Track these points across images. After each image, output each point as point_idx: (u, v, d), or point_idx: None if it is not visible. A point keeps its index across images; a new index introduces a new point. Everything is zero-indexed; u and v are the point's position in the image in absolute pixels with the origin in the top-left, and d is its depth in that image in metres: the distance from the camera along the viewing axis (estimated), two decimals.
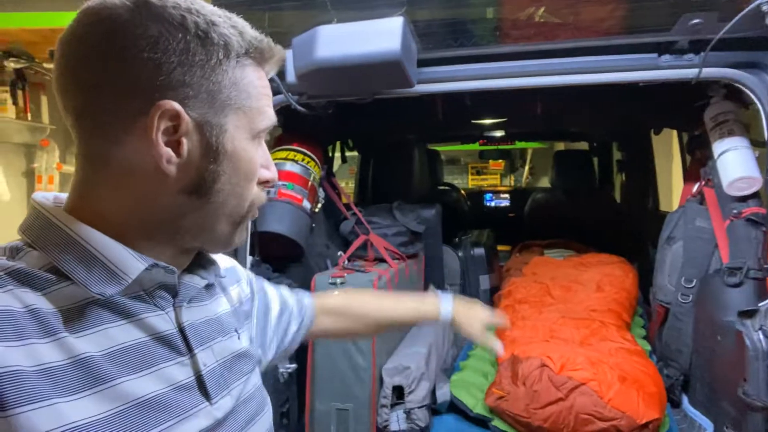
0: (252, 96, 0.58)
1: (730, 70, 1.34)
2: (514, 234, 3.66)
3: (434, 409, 1.77)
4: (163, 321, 0.57)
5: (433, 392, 1.78)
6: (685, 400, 1.79)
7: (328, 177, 2.23)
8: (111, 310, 0.53)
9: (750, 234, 1.57)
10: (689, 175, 2.11)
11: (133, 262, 0.54)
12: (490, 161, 6.09)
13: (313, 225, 1.90)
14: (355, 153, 3.27)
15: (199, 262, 0.65)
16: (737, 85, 1.38)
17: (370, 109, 1.77)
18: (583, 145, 3.98)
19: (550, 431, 1.47)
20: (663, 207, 3.17)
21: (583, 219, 3.38)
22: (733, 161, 1.60)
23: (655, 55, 1.41)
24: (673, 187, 3.81)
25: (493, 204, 4.49)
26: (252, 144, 0.59)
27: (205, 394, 0.57)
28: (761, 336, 1.28)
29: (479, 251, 2.83)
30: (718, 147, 1.65)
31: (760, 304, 1.31)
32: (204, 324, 0.62)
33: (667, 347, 1.86)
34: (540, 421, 1.47)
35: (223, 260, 0.77)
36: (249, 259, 1.64)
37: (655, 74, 1.42)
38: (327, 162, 2.34)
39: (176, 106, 0.52)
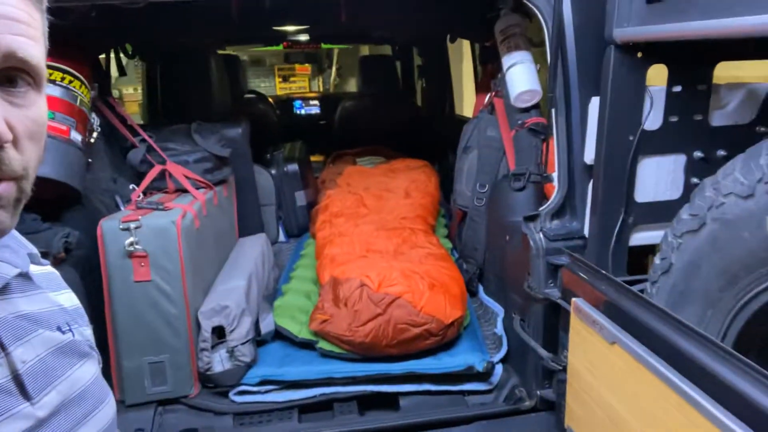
0: None
1: None
2: (327, 143, 3.63)
3: (258, 340, 1.74)
4: None
5: (256, 324, 1.73)
6: (480, 289, 2.04)
7: (103, 96, 1.85)
8: None
9: (531, 142, 1.75)
10: (481, 86, 2.25)
11: None
12: (296, 65, 5.81)
13: (89, 160, 1.58)
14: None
15: (8, 246, 0.56)
16: (524, 0, 1.45)
17: (150, 9, 1.47)
18: (387, 50, 3.99)
19: (371, 344, 1.55)
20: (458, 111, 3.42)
21: (390, 124, 3.48)
22: (518, 75, 1.72)
23: None
24: (464, 91, 4.11)
25: (303, 112, 4.35)
26: None
27: (25, 393, 0.52)
28: (541, 236, 1.47)
29: (293, 167, 2.74)
30: (506, 61, 1.75)
31: (541, 209, 1.49)
32: (18, 317, 0.54)
33: (465, 246, 2.08)
34: (362, 337, 1.53)
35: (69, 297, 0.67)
36: None
37: None
38: (101, 78, 1.93)
39: None
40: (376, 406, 1.61)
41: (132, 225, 1.47)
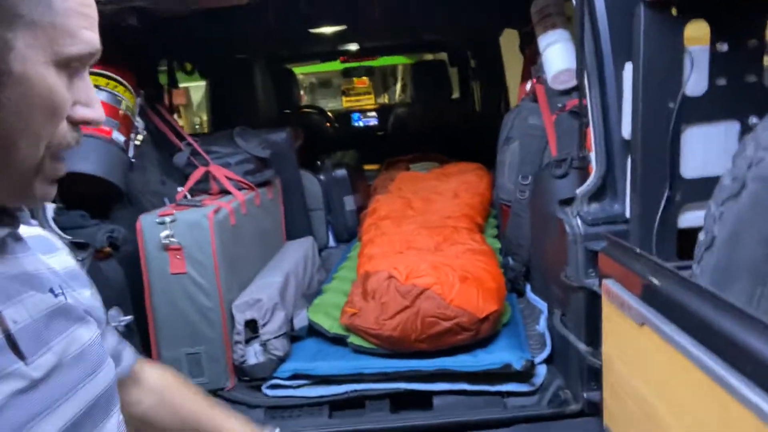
0: (56, 11, 0.48)
1: None
2: (384, 152, 3.64)
3: (294, 336, 1.74)
4: None
5: (291, 320, 1.74)
6: (527, 288, 1.92)
7: (152, 104, 1.97)
8: None
9: (572, 126, 1.62)
10: (524, 74, 2.16)
11: None
12: (355, 79, 5.92)
13: (133, 160, 1.68)
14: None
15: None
16: None
17: (196, 22, 1.56)
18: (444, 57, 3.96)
19: (400, 338, 1.49)
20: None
21: (444, 129, 3.43)
22: (555, 55, 1.63)
23: None
24: None
25: (361, 123, 4.41)
26: (53, 71, 0.48)
27: (18, 353, 0.51)
28: (578, 221, 1.36)
29: (341, 172, 2.76)
30: (542, 41, 1.67)
31: (577, 191, 1.38)
32: (8, 278, 0.54)
33: (510, 242, 1.97)
34: (390, 331, 1.48)
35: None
36: (50, 206, 1.41)
37: None
38: (152, 86, 2.07)
39: None
40: (408, 404, 1.55)
41: (167, 219, 1.53)
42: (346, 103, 6.92)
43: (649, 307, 0.91)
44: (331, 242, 2.77)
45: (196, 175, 1.91)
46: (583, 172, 1.60)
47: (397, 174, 3.06)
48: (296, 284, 1.92)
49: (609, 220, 1.34)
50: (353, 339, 1.60)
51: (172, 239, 1.52)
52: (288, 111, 3.21)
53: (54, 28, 0.48)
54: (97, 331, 0.64)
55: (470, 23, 2.46)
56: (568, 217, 1.37)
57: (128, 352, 0.80)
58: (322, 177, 2.70)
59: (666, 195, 1.20)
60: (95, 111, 0.53)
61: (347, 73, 4.18)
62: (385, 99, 8.39)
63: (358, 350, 1.59)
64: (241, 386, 1.63)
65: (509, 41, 3.26)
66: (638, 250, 1.05)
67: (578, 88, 1.65)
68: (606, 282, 1.06)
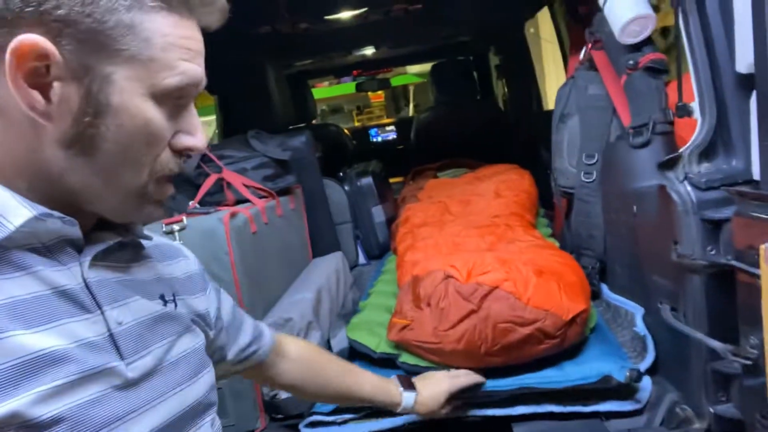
0: (154, 46, 0.50)
1: None
2: (406, 165, 3.42)
3: None
4: (64, 276, 0.53)
5: (327, 342, 1.46)
6: (604, 288, 1.62)
7: None
8: (3, 262, 0.48)
9: (650, 84, 1.36)
10: (573, 45, 1.91)
11: (20, 209, 0.49)
12: (370, 93, 5.76)
13: None
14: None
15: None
16: None
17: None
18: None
19: (466, 352, 1.19)
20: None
21: (471, 133, 3.19)
22: (620, 3, 1.37)
23: None
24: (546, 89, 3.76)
25: (379, 139, 4.20)
26: (151, 103, 0.51)
27: (119, 353, 0.54)
28: (687, 186, 1.08)
29: (366, 180, 2.51)
30: None
31: (682, 150, 1.10)
32: (118, 282, 0.58)
33: (577, 236, 1.68)
34: (453, 344, 1.18)
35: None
36: None
37: None
38: None
39: (43, 43, 0.46)
40: None
41: (176, 227, 1.28)
42: (357, 122, 6.77)
43: None
44: (362, 259, 2.49)
45: (208, 183, 1.67)
46: (669, 139, 1.34)
47: (425, 183, 2.82)
48: (330, 301, 1.65)
49: (728, 182, 1.05)
50: (405, 358, 1.31)
51: None
52: (303, 125, 2.98)
53: (152, 61, 0.50)
54: (201, 340, 0.67)
55: (492, 14, 2.24)
56: (673, 183, 1.09)
57: (267, 331, 0.90)
58: (346, 187, 2.45)
59: None
60: (196, 139, 0.56)
61: (361, 87, 3.99)
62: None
63: (413, 371, 1.29)
64: (274, 426, 1.34)
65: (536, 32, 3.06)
66: None
67: (652, 42, 1.41)
68: None
